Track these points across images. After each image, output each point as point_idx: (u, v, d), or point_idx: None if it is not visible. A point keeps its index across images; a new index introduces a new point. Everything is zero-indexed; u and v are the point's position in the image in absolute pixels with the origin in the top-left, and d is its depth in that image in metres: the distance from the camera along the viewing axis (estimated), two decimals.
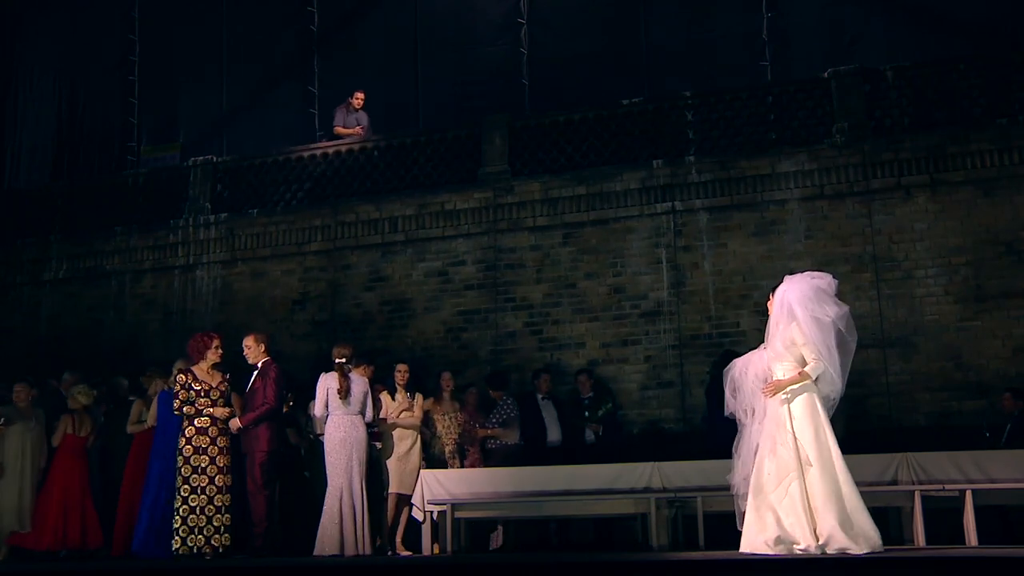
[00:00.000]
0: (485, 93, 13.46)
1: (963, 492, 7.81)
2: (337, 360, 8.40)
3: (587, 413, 9.99)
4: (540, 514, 8.94)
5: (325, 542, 7.95)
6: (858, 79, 10.97)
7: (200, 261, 12.82)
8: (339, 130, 12.95)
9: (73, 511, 9.08)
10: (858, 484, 6.08)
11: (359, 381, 8.40)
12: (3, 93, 15.67)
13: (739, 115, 11.30)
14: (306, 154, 12.85)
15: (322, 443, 8.43)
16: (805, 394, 6.17)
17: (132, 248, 13.12)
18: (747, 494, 6.20)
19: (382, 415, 8.93)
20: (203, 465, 7.99)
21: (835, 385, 6.17)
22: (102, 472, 9.68)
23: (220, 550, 7.91)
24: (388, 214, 12.08)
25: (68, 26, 15.55)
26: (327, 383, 8.34)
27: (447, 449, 9.47)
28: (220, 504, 7.99)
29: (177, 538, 7.85)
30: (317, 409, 8.39)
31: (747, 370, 6.40)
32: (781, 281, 6.46)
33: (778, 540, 5.97)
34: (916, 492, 7.82)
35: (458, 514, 8.57)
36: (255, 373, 8.37)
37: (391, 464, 8.94)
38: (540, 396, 10.09)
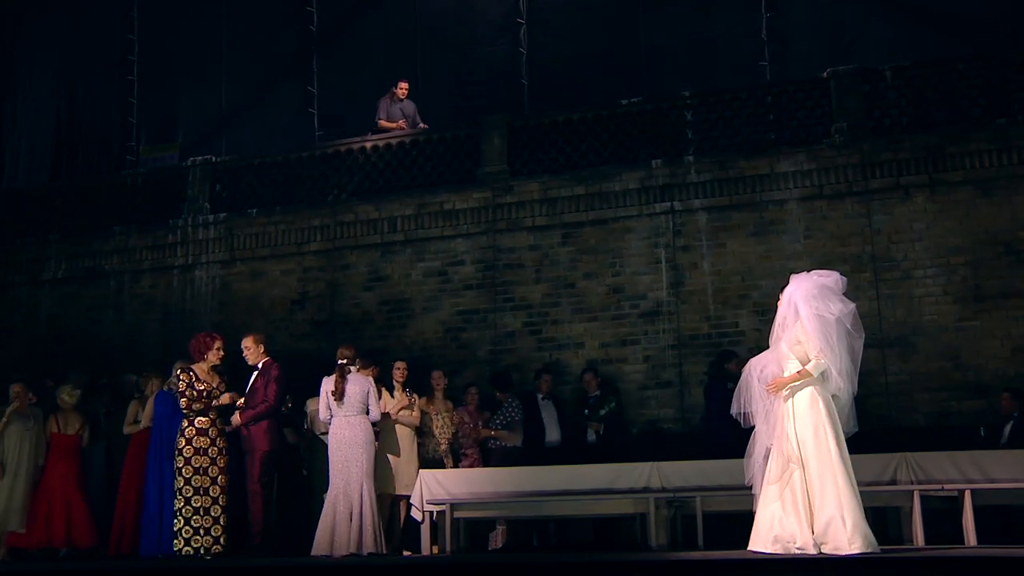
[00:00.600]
0: (484, 93, 13.45)
1: (962, 492, 7.81)
2: (338, 361, 8.40)
3: (587, 411, 9.96)
4: (539, 514, 8.93)
5: (320, 542, 7.96)
6: (857, 79, 10.96)
7: (199, 261, 12.80)
8: (383, 123, 12.57)
9: (57, 508, 9.09)
10: (857, 484, 6.07)
11: (359, 381, 8.37)
12: (2, 93, 15.65)
13: (738, 115, 11.29)
14: (305, 154, 12.85)
15: (321, 442, 8.43)
16: (807, 391, 6.17)
17: (131, 248, 13.10)
18: (759, 495, 6.22)
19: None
20: (204, 465, 8.00)
21: (836, 383, 6.15)
22: (107, 472, 9.70)
23: (221, 550, 7.90)
24: (387, 214, 12.07)
25: (67, 26, 15.53)
26: (327, 386, 8.35)
27: (441, 448, 9.44)
28: (223, 504, 8.01)
29: (180, 538, 7.85)
30: (321, 412, 8.40)
31: (758, 370, 6.40)
32: (787, 282, 6.47)
33: (776, 539, 5.99)
34: (915, 492, 7.82)
35: (457, 514, 8.56)
36: (255, 373, 8.38)
37: (391, 463, 8.91)
38: (540, 396, 10.07)
